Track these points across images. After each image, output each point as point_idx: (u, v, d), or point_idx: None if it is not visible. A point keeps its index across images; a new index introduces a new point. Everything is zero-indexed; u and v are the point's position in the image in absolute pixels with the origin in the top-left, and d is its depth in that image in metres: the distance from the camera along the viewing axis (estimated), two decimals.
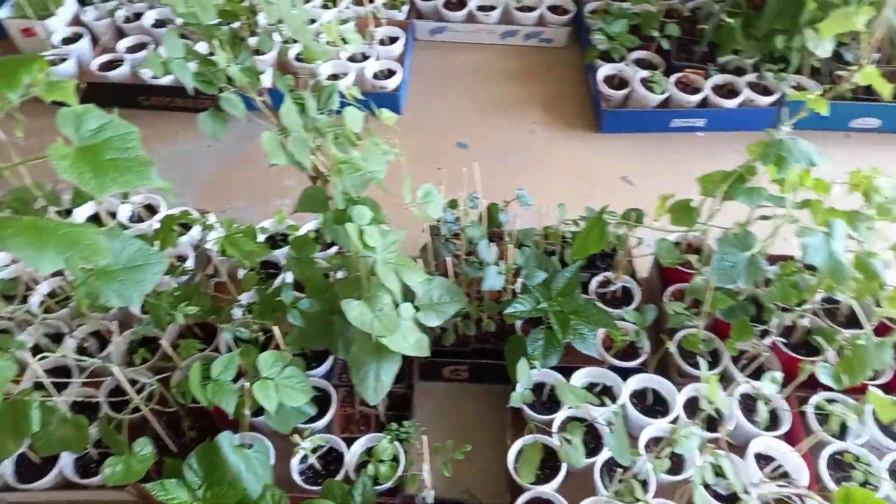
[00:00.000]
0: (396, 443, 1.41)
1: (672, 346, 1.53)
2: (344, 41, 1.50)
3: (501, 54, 2.74)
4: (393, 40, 2.55)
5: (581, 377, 1.56)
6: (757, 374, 1.48)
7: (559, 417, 1.49)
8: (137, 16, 2.59)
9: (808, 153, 1.37)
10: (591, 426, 1.47)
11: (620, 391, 1.52)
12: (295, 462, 1.43)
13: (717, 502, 1.32)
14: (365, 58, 2.46)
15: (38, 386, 1.35)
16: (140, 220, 1.91)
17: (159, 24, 2.57)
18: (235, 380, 1.29)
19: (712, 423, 1.46)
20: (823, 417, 1.43)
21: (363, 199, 1.26)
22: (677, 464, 1.42)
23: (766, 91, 2.33)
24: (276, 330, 1.36)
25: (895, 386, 1.53)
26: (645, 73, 2.35)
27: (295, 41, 2.41)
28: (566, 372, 1.53)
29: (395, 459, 1.41)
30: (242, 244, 1.49)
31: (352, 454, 1.44)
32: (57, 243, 0.89)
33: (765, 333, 1.57)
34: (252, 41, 1.52)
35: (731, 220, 1.51)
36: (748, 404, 1.52)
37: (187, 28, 1.35)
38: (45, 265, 0.87)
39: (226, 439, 1.24)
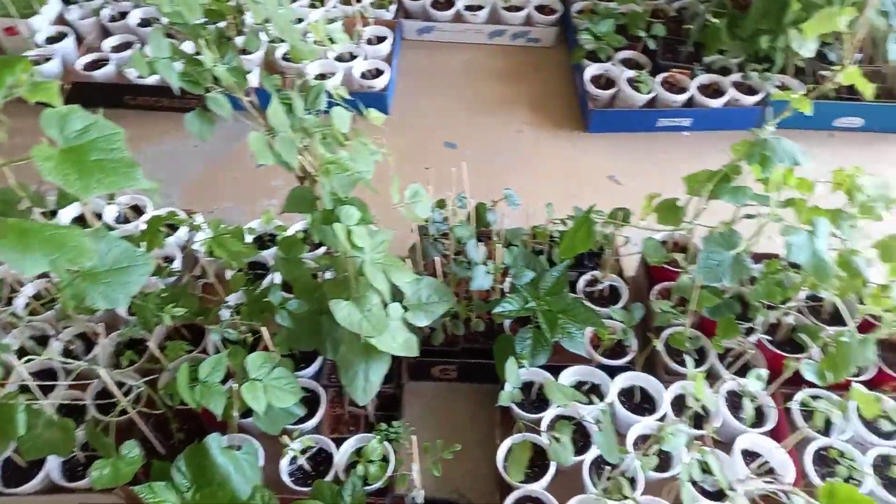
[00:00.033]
0: (386, 443, 1.41)
1: (659, 345, 1.54)
2: (331, 41, 1.50)
3: (489, 54, 2.75)
4: (381, 40, 2.54)
5: (569, 376, 1.57)
6: (743, 372, 1.49)
7: (548, 416, 1.49)
8: (123, 14, 2.57)
9: (792, 152, 1.39)
10: (580, 424, 1.48)
11: (608, 389, 1.53)
12: (284, 463, 1.43)
13: (704, 499, 1.33)
14: (352, 57, 2.45)
15: (24, 389, 1.33)
16: (126, 221, 1.90)
17: (145, 23, 2.55)
18: (224, 381, 1.29)
19: (699, 421, 1.47)
20: (808, 414, 1.45)
21: (351, 199, 1.26)
22: (665, 461, 1.43)
23: (751, 91, 2.36)
24: (264, 331, 1.35)
25: (878, 382, 1.55)
26: (631, 73, 2.37)
27: (282, 41, 2.40)
28: (555, 371, 1.54)
29: (385, 459, 1.41)
30: (230, 245, 1.48)
31: (341, 455, 1.44)
32: (42, 245, 0.88)
33: (750, 331, 1.59)
34: (239, 40, 1.51)
35: (717, 218, 1.52)
36: (734, 401, 1.54)
37: (173, 27, 1.35)
38: (29, 267, 0.86)
39: (214, 441, 1.23)
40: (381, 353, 1.25)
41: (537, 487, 1.39)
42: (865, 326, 1.45)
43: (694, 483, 1.32)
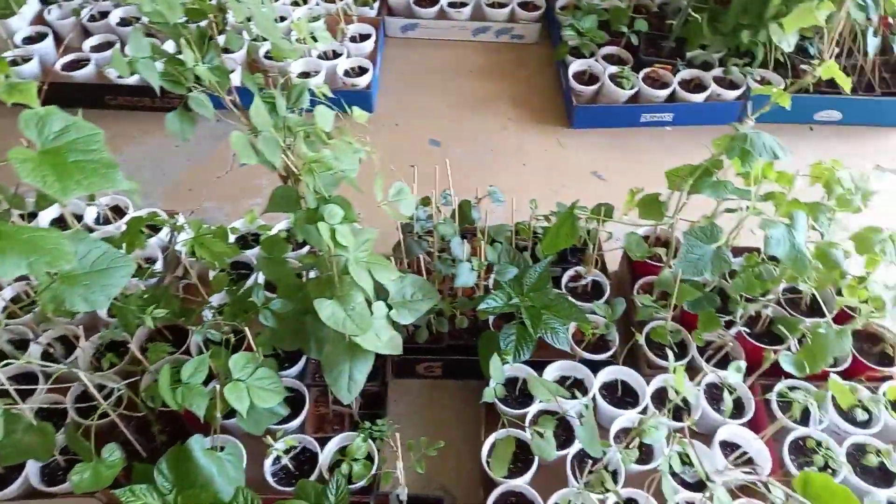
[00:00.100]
0: (370, 441, 1.42)
1: (641, 339, 1.55)
2: (314, 39, 1.50)
3: (473, 51, 2.75)
4: (364, 37, 2.54)
5: (553, 371, 1.58)
6: (723, 364, 1.51)
7: (532, 411, 1.50)
8: (103, 14, 2.54)
9: (772, 146, 1.40)
10: (563, 419, 1.49)
11: (591, 384, 1.54)
12: (268, 463, 1.43)
13: (684, 490, 1.35)
14: (336, 55, 2.45)
15: (3, 393, 1.32)
16: (107, 222, 1.88)
17: (125, 22, 2.52)
18: (206, 382, 1.28)
19: (680, 413, 1.49)
20: (787, 405, 1.47)
21: (335, 197, 1.26)
22: (647, 453, 1.44)
23: (732, 85, 2.38)
24: (247, 331, 1.35)
25: (854, 372, 1.57)
26: (614, 69, 2.38)
27: (264, 39, 2.38)
28: (539, 366, 1.55)
29: (370, 458, 1.41)
30: (212, 245, 1.48)
31: (326, 454, 1.44)
32: (20, 248, 0.87)
33: (730, 324, 1.61)
34: (220, 39, 1.50)
35: (699, 213, 1.54)
36: (714, 393, 1.55)
37: (154, 26, 1.33)
38: (7, 271, 0.86)
39: (197, 443, 1.23)
40: (365, 351, 1.26)
41: (521, 482, 1.40)
42: (842, 317, 1.47)
43: (674, 475, 1.33)
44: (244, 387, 1.26)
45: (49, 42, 2.45)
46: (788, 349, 1.43)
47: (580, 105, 2.39)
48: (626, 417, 1.49)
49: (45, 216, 1.82)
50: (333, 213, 1.18)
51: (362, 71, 2.43)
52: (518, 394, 1.57)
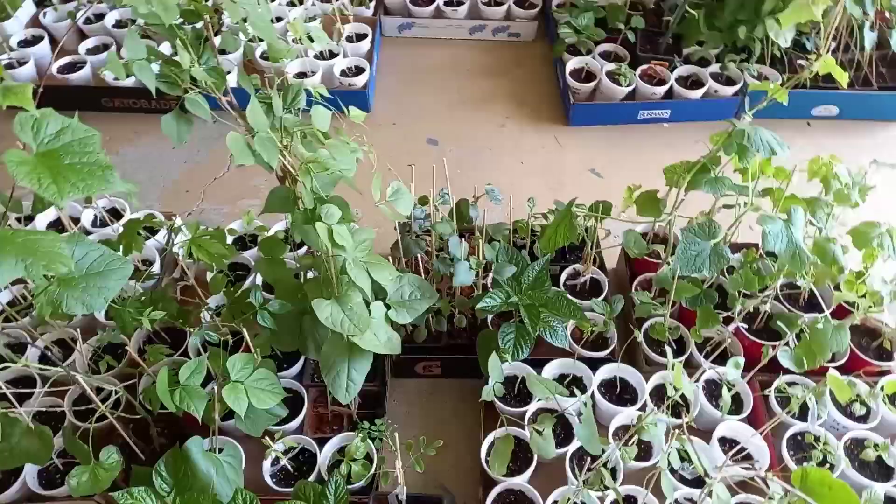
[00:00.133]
0: (369, 441, 1.42)
1: (640, 336, 1.55)
2: (310, 39, 1.49)
3: (470, 49, 2.75)
4: (361, 37, 2.53)
5: (552, 369, 1.58)
6: (721, 360, 1.51)
7: (531, 409, 1.50)
8: (98, 17, 2.54)
9: (769, 142, 1.40)
10: (562, 417, 1.49)
11: (590, 381, 1.54)
12: (267, 464, 1.43)
13: (683, 486, 1.35)
14: (332, 55, 2.44)
15: (0, 397, 1.32)
16: (104, 224, 1.88)
17: (121, 24, 2.52)
18: (205, 384, 1.28)
19: (679, 410, 1.49)
20: (785, 400, 1.47)
21: (332, 198, 1.25)
22: (645, 450, 1.44)
23: (729, 81, 2.38)
24: (245, 332, 1.35)
25: (852, 367, 1.57)
26: (612, 66, 2.38)
27: (260, 40, 2.38)
28: (538, 364, 1.55)
29: (369, 458, 1.41)
30: (210, 247, 1.47)
31: (324, 454, 1.44)
32: (16, 251, 0.87)
33: (728, 320, 1.61)
34: (216, 40, 1.50)
35: (697, 209, 1.54)
36: (713, 390, 1.55)
37: (149, 28, 1.33)
38: (3, 274, 0.85)
39: (195, 444, 1.23)
40: (363, 351, 1.26)
41: (520, 480, 1.40)
42: (840, 312, 1.47)
43: (673, 471, 1.33)
44: (242, 388, 1.26)
45: (45, 45, 2.45)
46: (787, 345, 1.43)
47: (577, 102, 2.39)
48: (624, 414, 1.49)
49: (42, 219, 1.82)
50: (331, 214, 1.18)
51: (359, 71, 2.43)
52: (517, 392, 1.57)
